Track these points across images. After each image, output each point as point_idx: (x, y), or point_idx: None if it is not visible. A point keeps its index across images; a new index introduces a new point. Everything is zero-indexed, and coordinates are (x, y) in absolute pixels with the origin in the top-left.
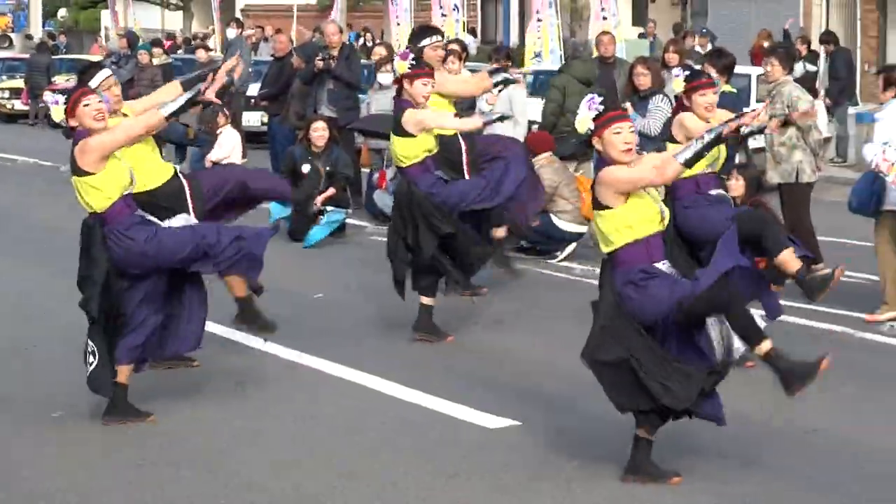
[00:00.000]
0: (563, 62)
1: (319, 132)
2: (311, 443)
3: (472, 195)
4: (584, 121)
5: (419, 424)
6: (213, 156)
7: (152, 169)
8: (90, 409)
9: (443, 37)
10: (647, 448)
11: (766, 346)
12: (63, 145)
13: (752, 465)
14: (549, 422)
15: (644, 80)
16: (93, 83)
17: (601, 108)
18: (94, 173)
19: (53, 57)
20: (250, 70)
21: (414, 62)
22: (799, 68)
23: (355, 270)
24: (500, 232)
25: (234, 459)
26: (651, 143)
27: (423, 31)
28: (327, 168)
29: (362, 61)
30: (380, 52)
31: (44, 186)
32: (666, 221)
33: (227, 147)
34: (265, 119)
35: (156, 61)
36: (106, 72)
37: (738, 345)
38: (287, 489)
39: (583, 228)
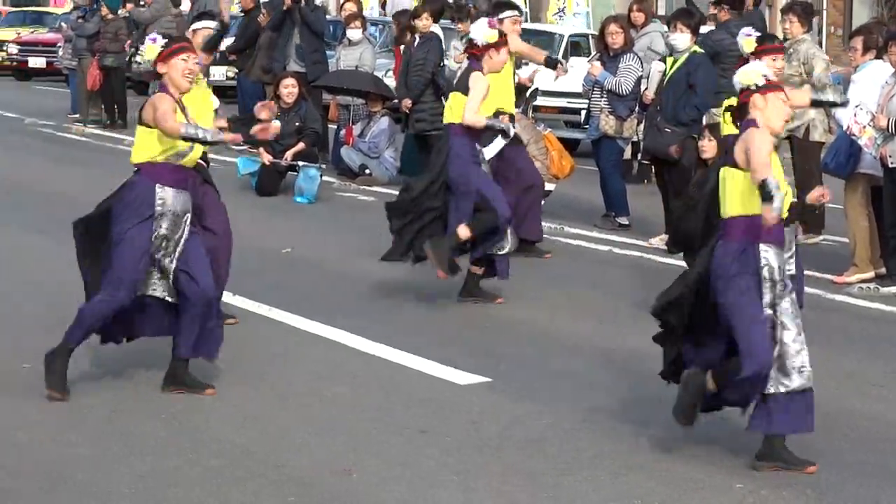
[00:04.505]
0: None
1: (289, 88)
2: (280, 397)
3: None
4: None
5: (389, 379)
6: None
7: None
8: None
9: (520, 12)
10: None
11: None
12: (25, 98)
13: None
14: (519, 380)
15: (617, 38)
16: (197, 25)
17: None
18: (150, 126)
19: (10, 8)
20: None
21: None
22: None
23: (323, 226)
24: (463, 231)
25: (202, 413)
26: (621, 101)
27: (500, 5)
28: (297, 123)
29: (333, 17)
30: (349, 7)
31: (10, 139)
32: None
33: None
34: (231, 73)
35: (120, 12)
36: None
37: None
38: (255, 444)
39: (550, 186)
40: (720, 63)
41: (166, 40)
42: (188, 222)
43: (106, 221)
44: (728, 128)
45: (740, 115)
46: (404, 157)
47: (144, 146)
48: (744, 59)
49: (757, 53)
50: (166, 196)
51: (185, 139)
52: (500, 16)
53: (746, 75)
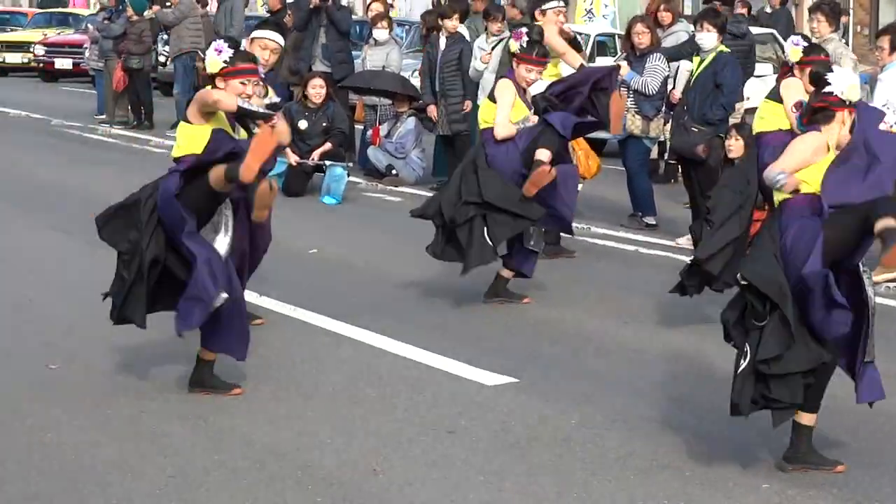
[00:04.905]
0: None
1: (317, 89)
2: (306, 397)
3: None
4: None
5: (416, 380)
6: None
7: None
8: (86, 362)
9: (566, 3)
10: (808, 435)
11: None
12: (52, 99)
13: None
14: (546, 380)
15: (644, 38)
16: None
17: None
18: (191, 123)
19: (37, 9)
20: (244, 25)
21: (525, 45)
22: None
23: (350, 226)
24: (543, 154)
25: (229, 414)
26: (648, 101)
27: None
28: (324, 123)
29: (359, 17)
30: (376, 7)
31: (37, 139)
32: None
33: None
34: None
35: (146, 14)
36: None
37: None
38: (281, 445)
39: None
40: None
41: (232, 52)
42: (229, 208)
43: (135, 211)
44: (761, 124)
45: (813, 117)
46: (434, 159)
47: (187, 141)
48: (787, 67)
49: (802, 64)
50: None
51: (240, 113)
52: (544, 7)
53: (855, 90)
